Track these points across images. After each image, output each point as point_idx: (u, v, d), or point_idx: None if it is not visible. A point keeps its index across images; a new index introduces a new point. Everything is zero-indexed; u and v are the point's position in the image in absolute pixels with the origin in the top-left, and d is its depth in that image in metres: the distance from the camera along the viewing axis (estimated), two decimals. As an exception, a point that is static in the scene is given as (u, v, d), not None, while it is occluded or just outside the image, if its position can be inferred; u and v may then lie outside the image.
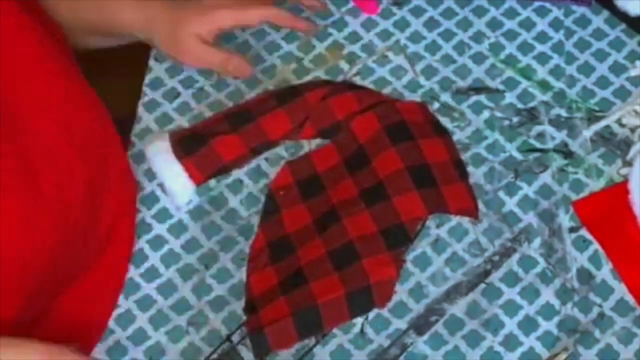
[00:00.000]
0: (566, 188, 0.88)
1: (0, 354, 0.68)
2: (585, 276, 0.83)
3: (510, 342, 0.80)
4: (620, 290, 0.82)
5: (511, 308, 0.82)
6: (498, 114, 0.92)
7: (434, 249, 0.85)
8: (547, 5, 0.99)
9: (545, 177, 0.88)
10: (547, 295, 0.82)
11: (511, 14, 0.98)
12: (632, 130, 0.90)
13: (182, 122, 0.93)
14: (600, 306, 0.82)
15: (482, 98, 0.93)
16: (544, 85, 0.94)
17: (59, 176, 0.75)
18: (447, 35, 0.97)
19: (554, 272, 0.83)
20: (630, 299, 0.82)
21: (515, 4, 0.99)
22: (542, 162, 0.89)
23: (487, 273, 0.83)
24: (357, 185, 0.87)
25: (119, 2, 0.89)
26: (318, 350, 0.81)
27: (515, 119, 0.92)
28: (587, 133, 0.90)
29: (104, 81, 0.84)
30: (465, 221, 0.86)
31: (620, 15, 0.97)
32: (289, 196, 0.88)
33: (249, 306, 0.82)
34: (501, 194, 0.88)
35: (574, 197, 0.87)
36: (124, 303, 0.83)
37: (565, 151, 0.90)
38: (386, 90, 0.94)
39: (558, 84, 0.94)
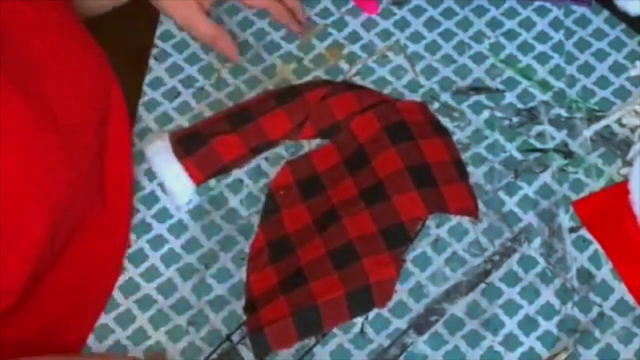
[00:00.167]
0: (566, 188, 0.88)
1: None
2: (585, 276, 0.83)
3: (510, 342, 0.80)
4: (620, 290, 0.83)
5: (511, 308, 0.82)
6: (498, 114, 0.92)
7: (434, 249, 0.85)
8: (547, 5, 0.99)
9: (545, 177, 0.88)
10: (547, 295, 0.82)
11: (511, 13, 0.98)
12: (632, 130, 0.90)
13: (182, 121, 0.93)
14: (600, 306, 0.82)
15: (482, 98, 0.93)
16: (544, 85, 0.94)
17: (74, 119, 0.77)
18: (447, 35, 0.97)
19: (554, 272, 0.83)
20: (630, 298, 0.82)
21: (515, 3, 0.99)
22: (542, 162, 0.89)
23: (487, 273, 0.83)
24: (357, 185, 0.87)
25: None
26: (318, 350, 0.81)
27: (515, 119, 0.92)
28: (587, 133, 0.90)
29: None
30: (465, 221, 0.86)
31: (620, 15, 0.97)
32: (289, 196, 0.88)
33: (248, 306, 0.82)
34: (501, 194, 0.88)
35: (574, 197, 0.87)
36: (124, 303, 0.83)
37: (565, 151, 0.90)
38: (386, 90, 0.94)
39: (558, 84, 0.94)
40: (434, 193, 0.86)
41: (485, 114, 0.92)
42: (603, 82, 0.94)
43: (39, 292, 0.78)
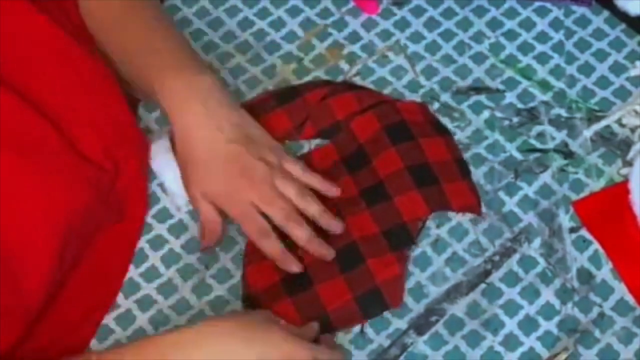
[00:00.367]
0: (566, 188, 0.88)
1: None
2: (585, 276, 0.83)
3: (511, 342, 0.80)
4: (620, 290, 0.83)
5: (511, 308, 0.82)
6: (498, 114, 0.92)
7: (434, 249, 0.85)
8: (547, 5, 0.99)
9: (545, 177, 0.88)
10: (547, 295, 0.82)
11: (511, 14, 0.98)
12: (632, 130, 0.90)
13: (182, 122, 0.93)
14: (600, 306, 0.82)
15: (482, 98, 0.93)
16: (544, 85, 0.94)
17: (89, 145, 0.80)
18: (447, 35, 0.97)
19: (554, 272, 0.83)
20: (630, 299, 0.82)
21: (515, 4, 0.99)
22: (542, 162, 0.89)
23: (487, 273, 0.83)
24: (358, 185, 0.87)
25: (167, 71, 0.85)
26: (318, 350, 0.80)
27: (515, 119, 0.92)
28: (587, 133, 0.90)
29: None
30: (466, 221, 0.86)
31: (620, 15, 0.97)
32: (289, 196, 0.88)
33: (247, 301, 0.82)
34: (501, 194, 0.88)
35: (574, 197, 0.87)
36: (124, 303, 0.83)
37: (565, 151, 0.90)
38: (386, 90, 0.94)
39: (558, 84, 0.94)
40: (436, 191, 0.85)
41: (486, 114, 0.92)
42: (603, 82, 0.94)
43: (54, 302, 0.79)
